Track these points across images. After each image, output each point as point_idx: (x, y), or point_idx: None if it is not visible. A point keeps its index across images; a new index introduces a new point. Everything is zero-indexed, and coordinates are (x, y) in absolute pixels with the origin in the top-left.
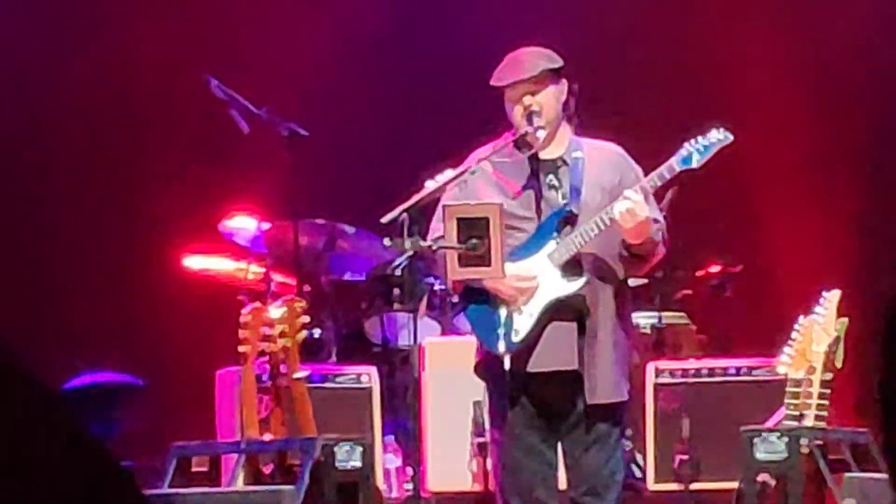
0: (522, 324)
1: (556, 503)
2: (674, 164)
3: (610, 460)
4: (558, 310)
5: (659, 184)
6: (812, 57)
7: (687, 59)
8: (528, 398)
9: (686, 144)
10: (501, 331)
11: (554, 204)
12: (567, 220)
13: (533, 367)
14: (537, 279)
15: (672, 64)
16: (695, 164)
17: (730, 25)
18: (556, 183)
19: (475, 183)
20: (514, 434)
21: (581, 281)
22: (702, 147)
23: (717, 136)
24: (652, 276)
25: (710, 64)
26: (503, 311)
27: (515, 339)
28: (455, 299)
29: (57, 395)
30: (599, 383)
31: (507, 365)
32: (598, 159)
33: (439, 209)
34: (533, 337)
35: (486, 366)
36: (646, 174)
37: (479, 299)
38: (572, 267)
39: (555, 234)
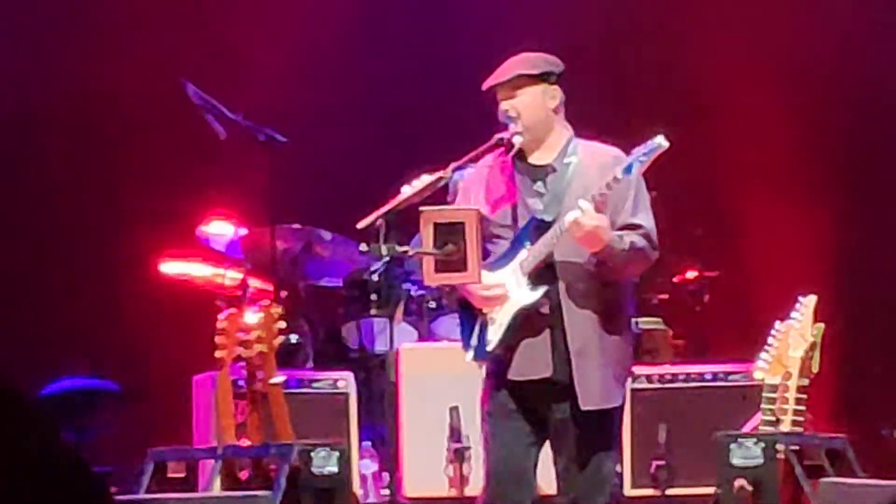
0: (493, 333)
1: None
2: (617, 173)
3: (601, 468)
4: (527, 319)
5: (608, 193)
6: (790, 60)
7: (662, 63)
8: (514, 400)
9: (633, 151)
10: (475, 339)
11: (534, 211)
12: (541, 228)
13: (513, 374)
14: (504, 288)
15: (647, 68)
16: (636, 173)
17: (705, 28)
18: (542, 190)
19: (466, 190)
20: (498, 431)
21: (540, 290)
22: (641, 154)
23: (653, 145)
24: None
25: (687, 68)
26: (480, 320)
27: (488, 347)
28: (433, 304)
29: (30, 402)
30: (591, 389)
31: (491, 365)
32: (589, 165)
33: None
34: (506, 346)
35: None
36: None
37: (464, 305)
38: (540, 275)
39: (527, 243)
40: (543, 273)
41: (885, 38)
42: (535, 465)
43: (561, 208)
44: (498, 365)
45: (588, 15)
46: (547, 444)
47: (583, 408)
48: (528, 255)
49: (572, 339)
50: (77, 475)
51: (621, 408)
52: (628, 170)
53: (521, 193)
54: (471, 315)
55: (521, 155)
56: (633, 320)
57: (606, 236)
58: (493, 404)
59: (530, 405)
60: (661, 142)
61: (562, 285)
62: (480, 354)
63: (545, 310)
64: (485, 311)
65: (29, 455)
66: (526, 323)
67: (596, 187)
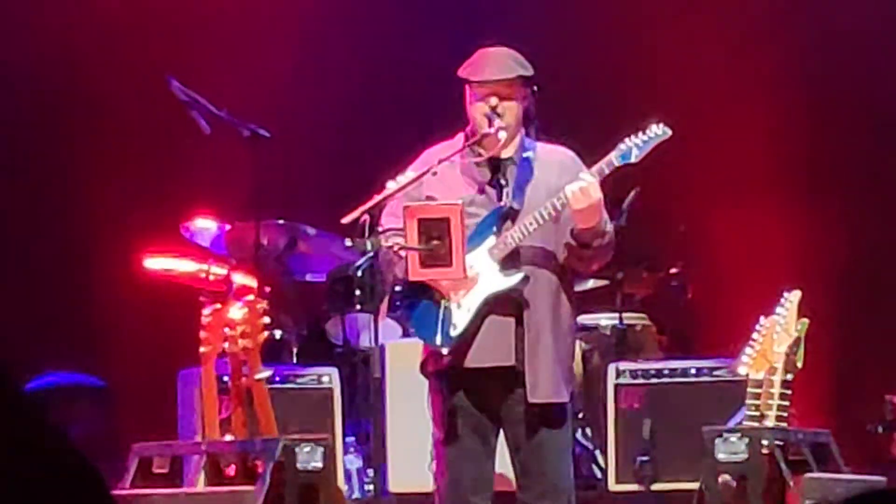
0: (460, 318)
1: None
2: (613, 159)
3: (560, 464)
4: (496, 304)
5: (598, 178)
6: (773, 55)
7: (645, 60)
8: (468, 396)
9: (626, 139)
10: (439, 325)
11: (498, 201)
12: (508, 216)
13: (471, 362)
14: (475, 272)
15: (630, 65)
16: (633, 160)
17: (689, 24)
18: (503, 181)
19: (429, 182)
20: (452, 434)
21: (518, 276)
22: (640, 142)
23: (656, 132)
24: (612, 278)
25: (670, 64)
26: (442, 306)
27: (453, 332)
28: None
29: (27, 397)
30: (541, 381)
31: (445, 360)
32: (548, 161)
33: (390, 204)
34: (471, 332)
35: (430, 363)
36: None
37: (420, 294)
38: (511, 262)
39: (495, 230)
40: (514, 259)
41: (868, 38)
42: (493, 466)
43: (525, 198)
44: (454, 358)
45: (570, 15)
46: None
47: (538, 400)
48: (499, 242)
49: (529, 330)
50: (79, 472)
51: (570, 407)
52: (626, 156)
53: (484, 184)
54: (429, 303)
55: (486, 148)
56: (618, 316)
57: (602, 213)
58: (451, 405)
59: (486, 399)
60: (663, 130)
61: (530, 273)
62: (447, 340)
63: (515, 295)
64: (451, 296)
65: (29, 452)
66: (492, 308)
67: (595, 166)
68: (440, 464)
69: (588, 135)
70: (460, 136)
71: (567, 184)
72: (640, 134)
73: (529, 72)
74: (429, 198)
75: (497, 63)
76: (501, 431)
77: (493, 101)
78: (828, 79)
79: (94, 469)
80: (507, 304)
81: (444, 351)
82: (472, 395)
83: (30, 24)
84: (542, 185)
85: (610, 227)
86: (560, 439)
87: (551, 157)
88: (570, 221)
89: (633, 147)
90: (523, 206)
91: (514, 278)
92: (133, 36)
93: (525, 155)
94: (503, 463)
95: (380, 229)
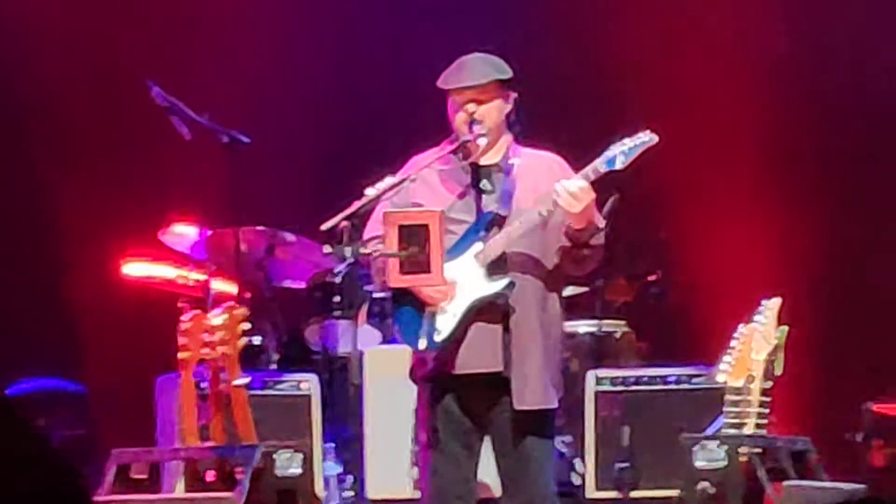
0: (445, 323)
1: None
2: (598, 165)
3: (543, 471)
4: (482, 310)
5: (592, 179)
6: (757, 59)
7: (627, 65)
8: (454, 401)
9: (612, 146)
10: (423, 330)
11: (485, 207)
12: (495, 222)
13: (458, 369)
14: (461, 278)
15: (611, 69)
16: (619, 166)
17: (672, 30)
18: (489, 187)
19: (415, 189)
20: (437, 440)
21: (504, 281)
22: (627, 149)
23: (643, 138)
24: (592, 284)
25: (652, 71)
26: (427, 311)
27: (437, 338)
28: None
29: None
30: (528, 388)
31: (431, 365)
32: (535, 166)
33: (375, 212)
34: (457, 338)
35: (418, 368)
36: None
37: (405, 300)
38: (498, 268)
39: (482, 235)
40: (500, 265)
41: (852, 46)
42: (476, 473)
43: (511, 204)
44: (440, 364)
45: (553, 18)
46: (488, 444)
47: (518, 407)
48: (485, 248)
49: (516, 336)
50: (62, 477)
51: (556, 413)
52: (611, 162)
53: (470, 190)
54: (413, 309)
55: (468, 154)
56: (598, 323)
57: (595, 211)
58: (437, 411)
59: (473, 405)
60: (649, 136)
61: (514, 279)
62: (431, 344)
63: (502, 301)
64: (433, 303)
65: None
66: (479, 314)
67: (581, 172)
68: (425, 469)
69: (573, 141)
70: (445, 144)
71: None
72: (626, 140)
73: (506, 75)
74: (415, 204)
75: (472, 69)
76: (487, 438)
77: (471, 107)
78: (809, 86)
79: (76, 477)
80: (494, 311)
81: (429, 356)
82: (459, 401)
83: (2, 28)
84: (529, 191)
85: (602, 223)
86: (545, 447)
87: (538, 163)
88: (558, 227)
89: (619, 154)
90: (510, 212)
91: (500, 284)
92: (113, 40)
93: (511, 161)
94: (487, 470)
95: (365, 237)
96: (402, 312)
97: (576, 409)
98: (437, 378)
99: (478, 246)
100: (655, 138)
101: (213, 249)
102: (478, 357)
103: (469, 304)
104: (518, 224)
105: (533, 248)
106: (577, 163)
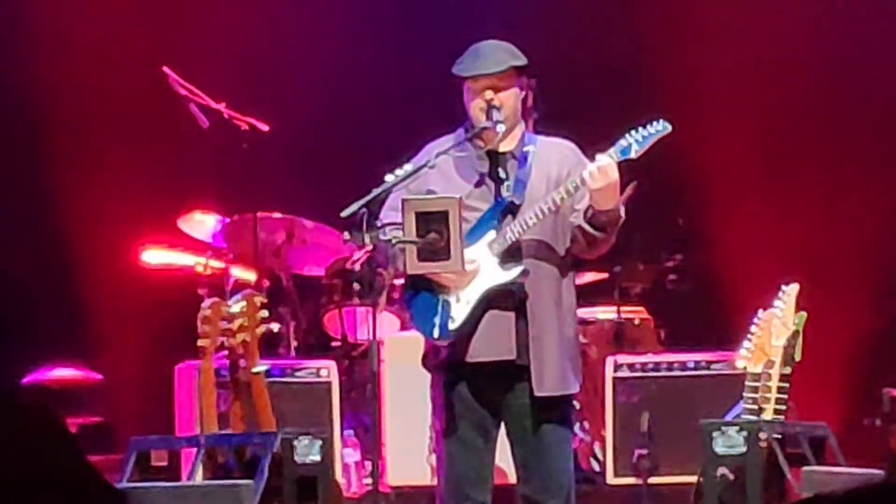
0: (459, 311)
1: (488, 500)
2: (612, 154)
3: (561, 457)
4: (496, 298)
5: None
6: (769, 51)
7: (644, 54)
8: (468, 389)
9: (626, 135)
10: (438, 318)
11: (499, 195)
12: (509, 210)
13: (471, 357)
14: (475, 266)
15: (627, 57)
16: (633, 155)
17: (689, 19)
18: (503, 175)
19: (430, 176)
20: (452, 427)
21: (518, 269)
22: (640, 138)
23: (657, 127)
24: (610, 271)
25: (670, 60)
26: (441, 299)
27: (452, 326)
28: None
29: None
30: (547, 375)
31: (444, 353)
32: (549, 154)
33: (390, 199)
34: (470, 326)
35: (431, 356)
36: None
37: (419, 287)
38: (511, 256)
39: (495, 223)
40: (513, 253)
41: (859, 33)
42: (493, 459)
43: (525, 192)
44: (454, 352)
45: (568, 9)
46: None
47: (538, 393)
48: (499, 236)
49: (532, 323)
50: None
51: (574, 395)
52: (625, 151)
53: (485, 178)
54: (428, 296)
55: (485, 142)
56: (616, 309)
57: (619, 196)
58: (451, 399)
59: (488, 393)
60: (663, 125)
61: (528, 267)
62: (444, 333)
63: (516, 288)
64: (450, 290)
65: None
66: (492, 302)
67: (605, 154)
68: (440, 457)
69: (588, 129)
70: (461, 131)
71: (568, 175)
72: (640, 129)
73: (522, 62)
74: (430, 191)
75: (489, 57)
76: (502, 425)
77: (489, 94)
78: (826, 73)
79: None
80: (508, 299)
81: (442, 344)
82: (473, 389)
83: (22, 19)
84: (542, 179)
85: (622, 212)
86: (562, 433)
87: (552, 151)
88: (571, 211)
89: (633, 143)
90: (524, 200)
91: (514, 272)
92: (132, 28)
93: (526, 149)
94: (502, 456)
95: (379, 223)
96: (416, 300)
97: (595, 396)
98: (450, 366)
99: (491, 234)
100: (669, 127)
101: (232, 237)
102: (490, 346)
103: (483, 292)
104: (532, 213)
105: (546, 235)
106: (592, 152)
